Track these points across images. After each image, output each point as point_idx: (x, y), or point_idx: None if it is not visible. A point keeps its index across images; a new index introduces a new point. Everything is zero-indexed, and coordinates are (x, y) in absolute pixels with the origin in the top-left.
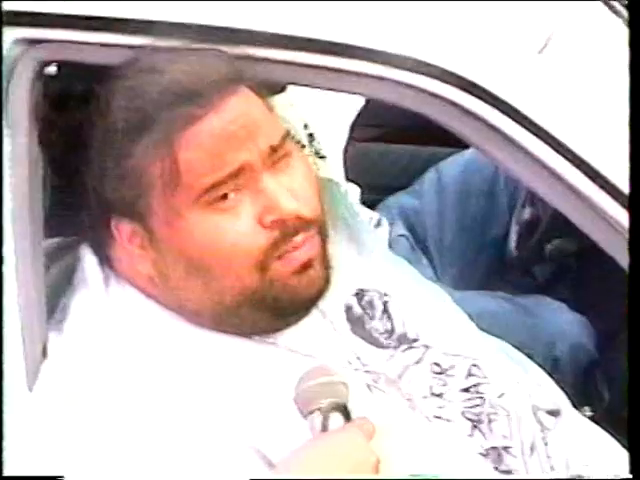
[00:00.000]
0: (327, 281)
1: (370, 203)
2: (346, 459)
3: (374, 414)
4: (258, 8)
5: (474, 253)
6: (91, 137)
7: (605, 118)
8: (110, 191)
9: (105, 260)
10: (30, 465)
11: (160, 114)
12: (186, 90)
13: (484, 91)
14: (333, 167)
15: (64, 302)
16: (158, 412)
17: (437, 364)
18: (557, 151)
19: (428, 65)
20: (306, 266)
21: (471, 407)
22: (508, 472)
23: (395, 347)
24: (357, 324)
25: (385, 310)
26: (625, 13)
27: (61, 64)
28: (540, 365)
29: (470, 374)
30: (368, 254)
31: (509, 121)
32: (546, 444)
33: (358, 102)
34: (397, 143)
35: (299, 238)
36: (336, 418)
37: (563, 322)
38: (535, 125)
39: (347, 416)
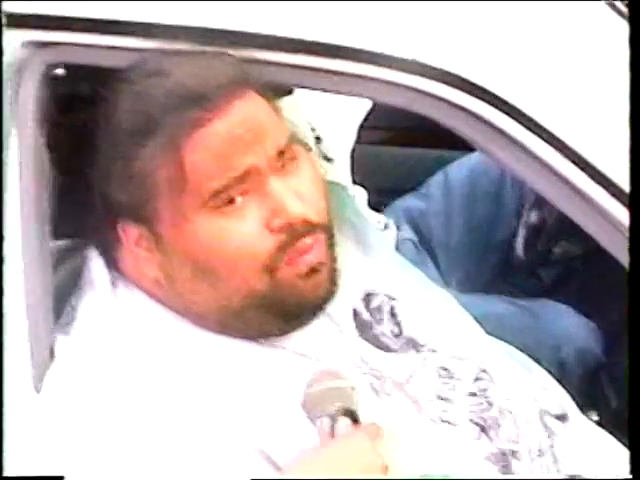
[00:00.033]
0: (334, 285)
1: (377, 206)
2: (354, 463)
3: (381, 418)
4: (264, 11)
5: (480, 255)
6: (98, 140)
7: (612, 121)
8: (116, 194)
9: (112, 262)
10: (34, 466)
11: (166, 117)
12: (192, 93)
13: (490, 94)
14: (340, 170)
15: (71, 304)
16: (164, 414)
17: (444, 368)
18: (562, 153)
19: (434, 68)
20: (313, 270)
21: (478, 411)
22: None
23: (402, 351)
24: (364, 328)
25: (392, 314)
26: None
27: (68, 66)
28: (546, 369)
29: (477, 378)
30: (375, 257)
31: (515, 124)
32: (553, 449)
33: (365, 105)
34: (404, 146)
35: (306, 241)
36: (344, 423)
37: (569, 325)
38: (541, 127)
39: (355, 421)
